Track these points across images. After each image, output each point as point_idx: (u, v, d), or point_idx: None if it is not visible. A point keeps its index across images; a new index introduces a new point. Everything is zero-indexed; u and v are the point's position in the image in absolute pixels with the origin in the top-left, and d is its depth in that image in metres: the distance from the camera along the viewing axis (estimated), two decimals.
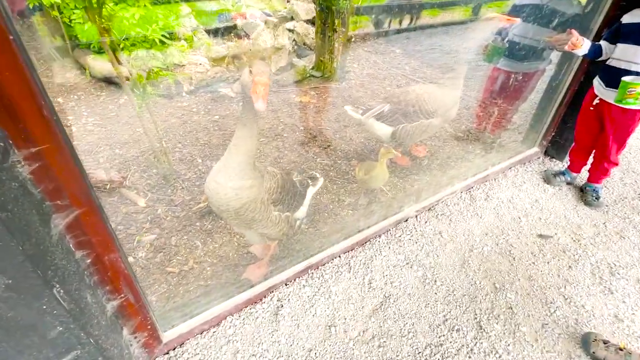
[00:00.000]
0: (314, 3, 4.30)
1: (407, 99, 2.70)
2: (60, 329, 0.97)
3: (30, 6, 2.51)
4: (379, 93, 4.35)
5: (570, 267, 2.36)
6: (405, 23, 6.53)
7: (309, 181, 2.17)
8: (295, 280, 2.09)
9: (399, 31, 6.33)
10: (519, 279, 2.25)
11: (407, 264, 2.28)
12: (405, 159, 3.20)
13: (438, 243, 2.45)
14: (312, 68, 4.59)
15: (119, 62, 2.89)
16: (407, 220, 2.59)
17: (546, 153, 3.47)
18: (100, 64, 3.90)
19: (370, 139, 3.46)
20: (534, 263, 2.37)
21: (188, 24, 4.76)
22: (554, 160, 3.43)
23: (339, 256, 2.27)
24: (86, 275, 1.13)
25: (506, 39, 2.92)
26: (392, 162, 3.13)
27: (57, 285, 0.93)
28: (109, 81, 3.95)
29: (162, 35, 4.16)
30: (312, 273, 2.15)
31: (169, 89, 4.01)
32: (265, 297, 1.98)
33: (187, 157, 3.05)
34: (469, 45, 2.78)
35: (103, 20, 2.20)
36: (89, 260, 1.13)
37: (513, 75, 3.10)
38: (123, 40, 3.84)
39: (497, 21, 2.48)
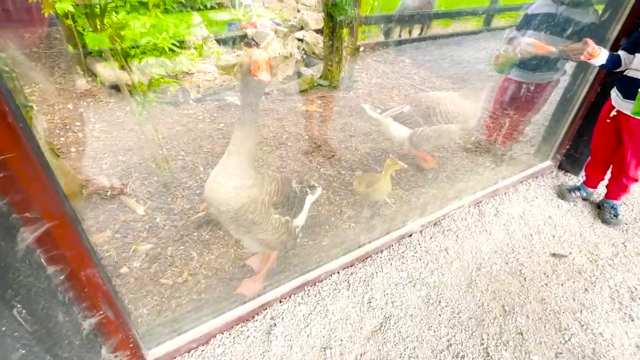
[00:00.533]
0: (323, 12, 4.29)
1: (429, 102, 2.65)
2: (23, 351, 0.91)
3: (46, 14, 2.57)
4: (385, 102, 4.28)
5: (586, 289, 2.21)
6: (416, 33, 6.47)
7: (308, 190, 2.13)
8: (290, 297, 2.00)
9: (408, 41, 6.26)
10: (531, 302, 2.11)
11: (410, 282, 2.17)
12: (428, 160, 3.13)
13: (443, 260, 2.33)
14: (320, 77, 4.56)
15: (124, 69, 2.90)
16: (411, 236, 2.47)
17: (560, 167, 3.32)
18: (109, 72, 3.95)
19: (376, 149, 3.37)
20: (546, 284, 2.22)
21: (199, 33, 4.81)
22: (569, 174, 3.27)
23: (338, 272, 2.17)
24: (59, 292, 1.07)
25: (518, 49, 2.82)
26: (398, 173, 3.03)
27: (19, 305, 0.86)
28: (118, 88, 3.99)
29: (172, 44, 4.21)
30: (309, 290, 2.05)
31: (177, 97, 4.02)
32: (257, 315, 1.89)
33: (189, 164, 3.01)
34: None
35: (105, 27, 2.20)
36: (62, 276, 1.06)
37: (525, 86, 2.99)
38: (133, 48, 3.90)
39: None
